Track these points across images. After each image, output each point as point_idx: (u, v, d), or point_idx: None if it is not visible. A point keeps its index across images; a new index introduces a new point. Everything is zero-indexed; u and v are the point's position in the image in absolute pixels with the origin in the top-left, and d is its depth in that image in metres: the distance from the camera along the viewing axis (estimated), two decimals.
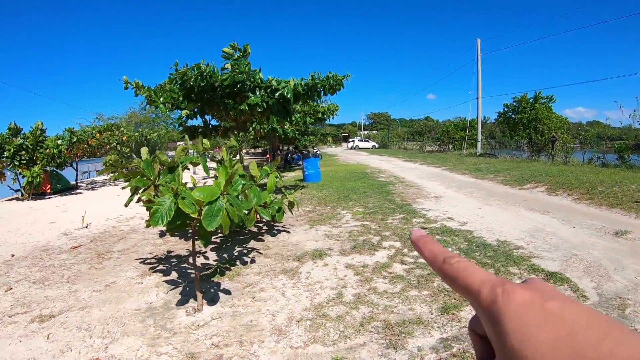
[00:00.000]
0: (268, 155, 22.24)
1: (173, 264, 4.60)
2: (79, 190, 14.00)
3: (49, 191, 13.17)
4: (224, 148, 5.96)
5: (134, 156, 18.30)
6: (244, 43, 6.83)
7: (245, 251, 4.99)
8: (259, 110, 6.80)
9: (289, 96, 6.54)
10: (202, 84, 6.18)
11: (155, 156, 3.13)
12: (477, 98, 20.49)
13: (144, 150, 3.38)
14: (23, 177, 11.28)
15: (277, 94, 6.66)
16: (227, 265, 4.40)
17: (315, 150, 27.58)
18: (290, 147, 25.94)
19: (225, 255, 4.82)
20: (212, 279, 4.00)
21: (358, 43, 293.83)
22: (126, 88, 7.00)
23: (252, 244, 5.32)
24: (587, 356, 0.21)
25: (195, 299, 3.35)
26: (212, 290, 3.67)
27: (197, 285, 3.19)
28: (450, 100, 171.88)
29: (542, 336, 0.23)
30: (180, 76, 6.29)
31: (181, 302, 3.41)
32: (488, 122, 31.19)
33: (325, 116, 16.82)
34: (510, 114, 26.95)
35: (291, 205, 5.15)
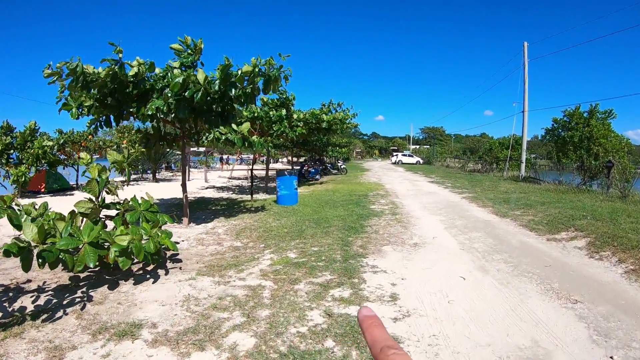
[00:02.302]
0: (306, 166, 20.37)
1: (3, 299, 3.69)
2: (74, 192, 13.32)
3: (42, 190, 12.55)
4: (94, 164, 4.36)
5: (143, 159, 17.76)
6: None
7: (77, 299, 3.71)
8: (161, 115, 4.95)
9: (176, 90, 4.56)
10: (77, 85, 4.50)
11: None
12: (523, 111, 16.54)
13: None
14: (11, 175, 11.39)
15: (171, 92, 4.76)
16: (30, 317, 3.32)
17: (339, 164, 25.55)
18: (315, 158, 23.99)
19: (55, 300, 3.64)
20: None
21: (406, 53, 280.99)
22: (46, 76, 5.40)
23: (101, 290, 3.94)
24: None
25: None
26: None
27: None
28: (498, 113, 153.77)
29: None
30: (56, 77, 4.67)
31: None
32: (545, 140, 26.40)
33: (334, 127, 14.47)
34: (560, 130, 21.89)
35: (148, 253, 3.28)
